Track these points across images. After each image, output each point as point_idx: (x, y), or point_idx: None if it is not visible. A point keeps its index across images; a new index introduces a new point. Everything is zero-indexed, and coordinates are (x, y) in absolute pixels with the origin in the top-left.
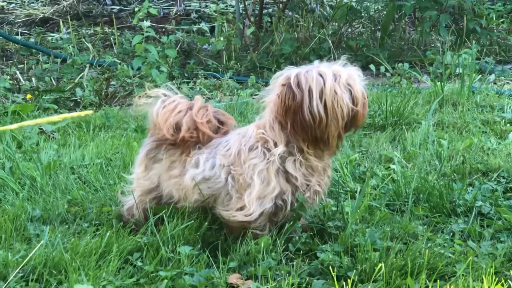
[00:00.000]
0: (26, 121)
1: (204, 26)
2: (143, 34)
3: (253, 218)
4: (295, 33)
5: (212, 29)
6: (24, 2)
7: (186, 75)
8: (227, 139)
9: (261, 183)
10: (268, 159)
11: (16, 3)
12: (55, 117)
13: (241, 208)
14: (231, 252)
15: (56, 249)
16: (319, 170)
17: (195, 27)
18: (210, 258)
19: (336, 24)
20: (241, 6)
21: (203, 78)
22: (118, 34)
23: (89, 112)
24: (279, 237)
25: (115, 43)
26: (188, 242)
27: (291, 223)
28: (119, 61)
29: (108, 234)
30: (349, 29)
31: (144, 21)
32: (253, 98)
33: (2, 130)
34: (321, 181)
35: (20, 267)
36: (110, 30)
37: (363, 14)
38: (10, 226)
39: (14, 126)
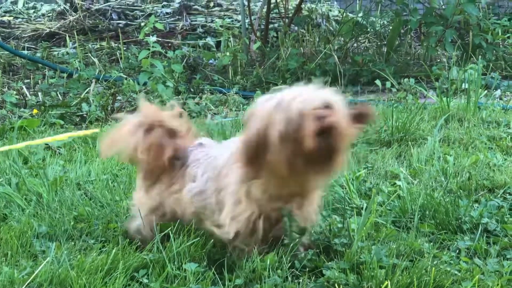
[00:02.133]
0: (33, 141)
1: (210, 41)
2: (149, 49)
3: (230, 237)
4: (301, 48)
5: (218, 44)
6: (31, 16)
7: (192, 90)
8: (221, 152)
9: (232, 203)
10: (241, 179)
11: (22, 18)
12: (62, 136)
13: (219, 226)
14: (237, 269)
15: (62, 266)
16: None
17: (201, 42)
18: (216, 275)
19: (342, 39)
20: (247, 21)
21: (209, 93)
22: (124, 48)
23: (94, 130)
24: (284, 254)
25: (121, 58)
26: (194, 259)
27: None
28: (125, 76)
29: (114, 251)
30: (355, 44)
31: (150, 36)
32: None
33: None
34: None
35: (26, 284)
36: (116, 44)
37: (369, 29)
38: (16, 242)
39: (22, 144)
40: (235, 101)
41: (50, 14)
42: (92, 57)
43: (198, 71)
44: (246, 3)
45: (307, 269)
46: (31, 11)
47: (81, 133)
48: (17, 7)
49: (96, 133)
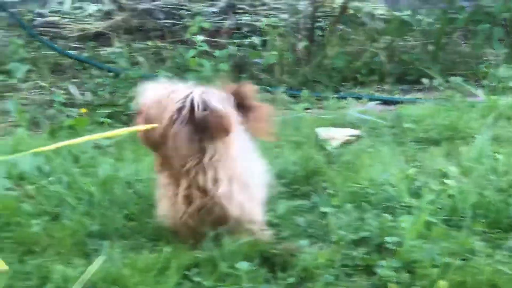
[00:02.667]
0: (95, 135)
1: (256, 39)
2: (196, 49)
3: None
4: (347, 46)
5: (263, 43)
6: (78, 16)
7: None
8: None
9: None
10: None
11: (69, 18)
12: (121, 130)
13: None
14: (289, 268)
15: (115, 264)
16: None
17: (246, 41)
18: (268, 274)
19: (388, 37)
20: (293, 19)
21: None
22: (171, 48)
23: (154, 125)
24: (337, 252)
25: (167, 57)
26: (246, 257)
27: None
28: (172, 75)
29: (166, 249)
30: (401, 43)
31: (198, 36)
32: (306, 112)
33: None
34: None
35: (79, 282)
36: (162, 44)
37: (415, 28)
38: (69, 241)
39: (81, 139)
40: (283, 100)
41: (97, 14)
42: (138, 56)
43: (244, 70)
44: (292, 2)
45: (359, 267)
46: (78, 11)
47: (138, 128)
48: (64, 7)
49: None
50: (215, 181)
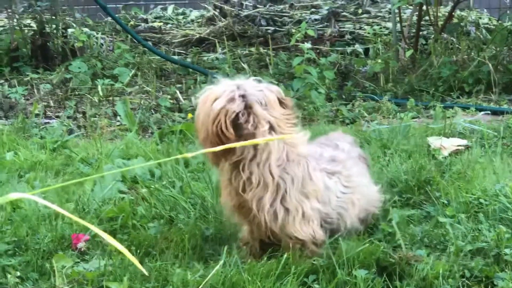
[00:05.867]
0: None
1: (359, 48)
2: (301, 55)
3: None
4: (453, 56)
5: (365, 51)
6: (180, 22)
7: (343, 97)
8: None
9: None
10: None
11: (172, 24)
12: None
13: None
14: (407, 277)
15: (233, 269)
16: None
17: (349, 49)
18: (387, 282)
19: (494, 47)
20: (397, 28)
21: (361, 100)
22: (273, 54)
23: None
24: (455, 262)
25: (270, 64)
26: (363, 265)
27: None
28: (276, 82)
29: (285, 255)
30: (508, 53)
31: (305, 43)
32: (415, 121)
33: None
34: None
35: (200, 286)
36: (265, 50)
37: None
38: (187, 245)
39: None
40: (388, 108)
41: (200, 20)
42: (241, 62)
43: (349, 78)
44: (396, 10)
45: (478, 278)
46: (180, 17)
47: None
48: (166, 13)
49: None
50: (248, 184)
